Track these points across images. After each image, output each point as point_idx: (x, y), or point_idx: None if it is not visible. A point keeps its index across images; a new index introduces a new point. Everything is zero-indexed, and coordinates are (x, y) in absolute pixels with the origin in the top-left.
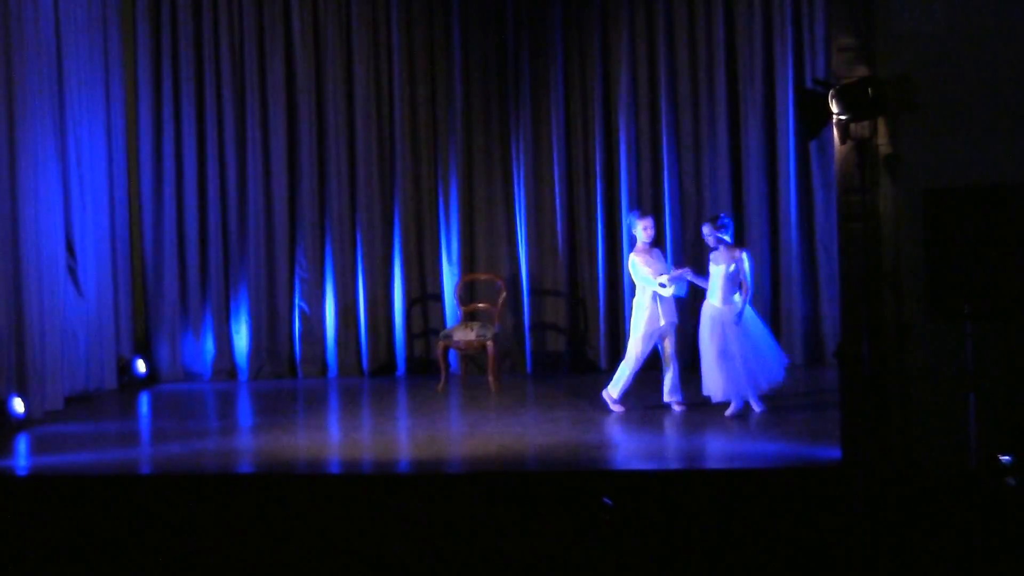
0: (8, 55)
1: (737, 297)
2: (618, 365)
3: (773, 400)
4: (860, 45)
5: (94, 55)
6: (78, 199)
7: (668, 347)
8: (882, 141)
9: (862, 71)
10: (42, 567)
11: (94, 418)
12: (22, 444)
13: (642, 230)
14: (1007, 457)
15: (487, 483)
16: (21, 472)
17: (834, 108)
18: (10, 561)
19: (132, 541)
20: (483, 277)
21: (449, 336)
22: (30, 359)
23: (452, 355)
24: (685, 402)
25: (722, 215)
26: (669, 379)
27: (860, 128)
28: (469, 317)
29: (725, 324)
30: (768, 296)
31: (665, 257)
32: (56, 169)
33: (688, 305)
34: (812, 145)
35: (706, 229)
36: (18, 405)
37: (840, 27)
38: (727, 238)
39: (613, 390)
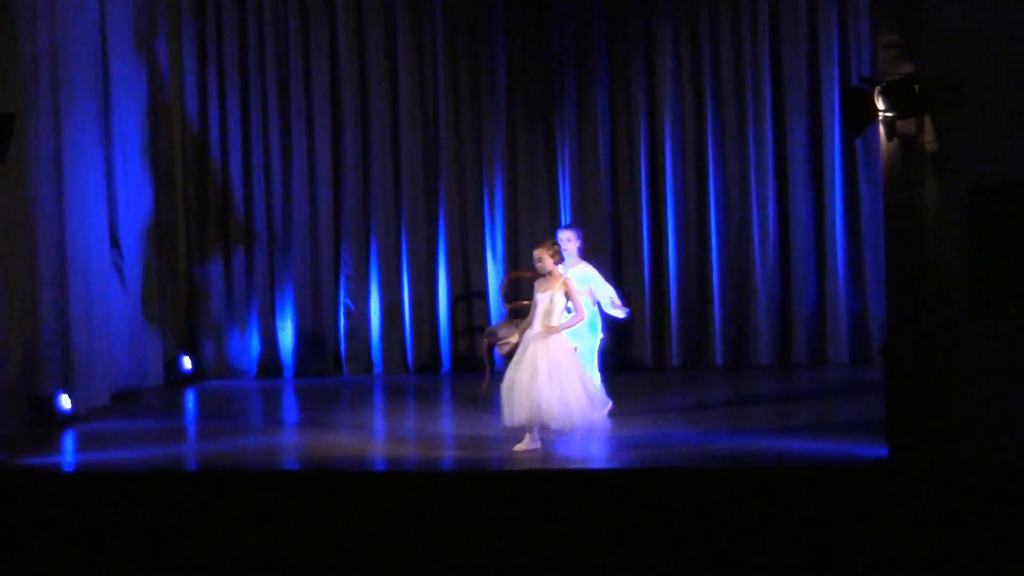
0: (54, 53)
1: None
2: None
3: (821, 398)
4: (905, 42)
5: (140, 56)
6: (123, 196)
7: None
8: (928, 138)
9: (907, 68)
10: (88, 563)
11: (140, 415)
12: (69, 440)
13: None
14: None
15: (529, 482)
16: (68, 468)
17: (880, 105)
18: (57, 557)
19: (177, 537)
20: (528, 274)
21: (494, 333)
22: (76, 356)
23: (496, 353)
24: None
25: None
26: None
27: (906, 125)
28: (514, 314)
29: None
30: (813, 294)
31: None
32: (101, 168)
33: None
34: (858, 143)
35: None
36: (65, 401)
37: (885, 24)
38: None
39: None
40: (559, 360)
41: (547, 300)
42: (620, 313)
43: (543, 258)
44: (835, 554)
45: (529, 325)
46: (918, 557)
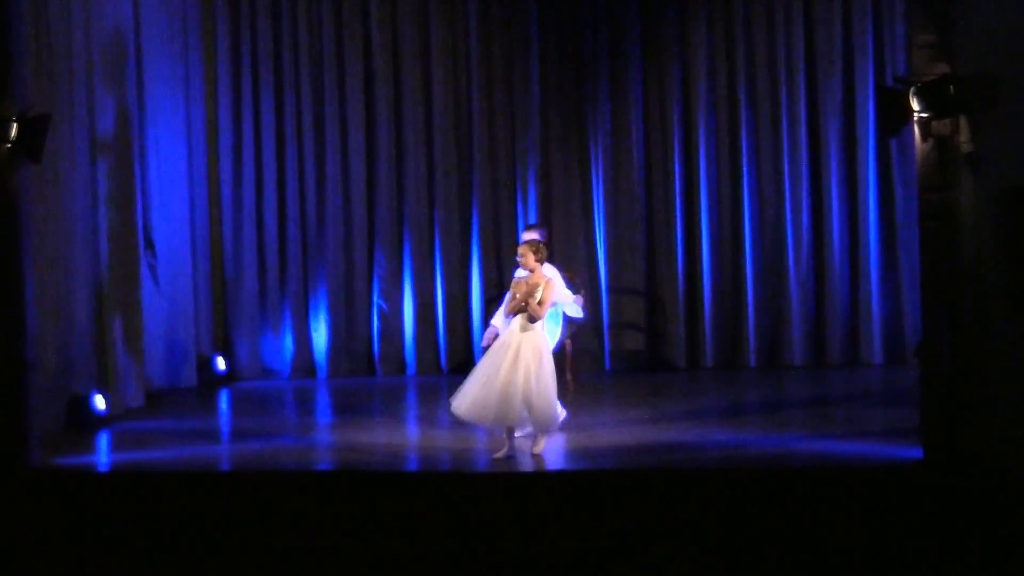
0: (88, 54)
1: None
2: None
3: (855, 399)
4: (940, 42)
5: (173, 56)
6: (156, 198)
7: None
8: (963, 139)
9: (943, 68)
10: (123, 562)
11: (174, 415)
12: (103, 440)
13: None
14: None
15: (562, 482)
16: (103, 469)
17: (914, 106)
18: (92, 556)
19: (211, 537)
20: (565, 274)
21: None
22: (111, 357)
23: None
24: None
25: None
26: None
27: (941, 126)
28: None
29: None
30: (847, 294)
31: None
32: (136, 169)
33: None
34: (892, 143)
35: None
36: (99, 402)
37: (920, 24)
38: None
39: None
40: (541, 360)
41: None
42: (579, 313)
43: (527, 255)
44: (869, 555)
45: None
46: (952, 558)
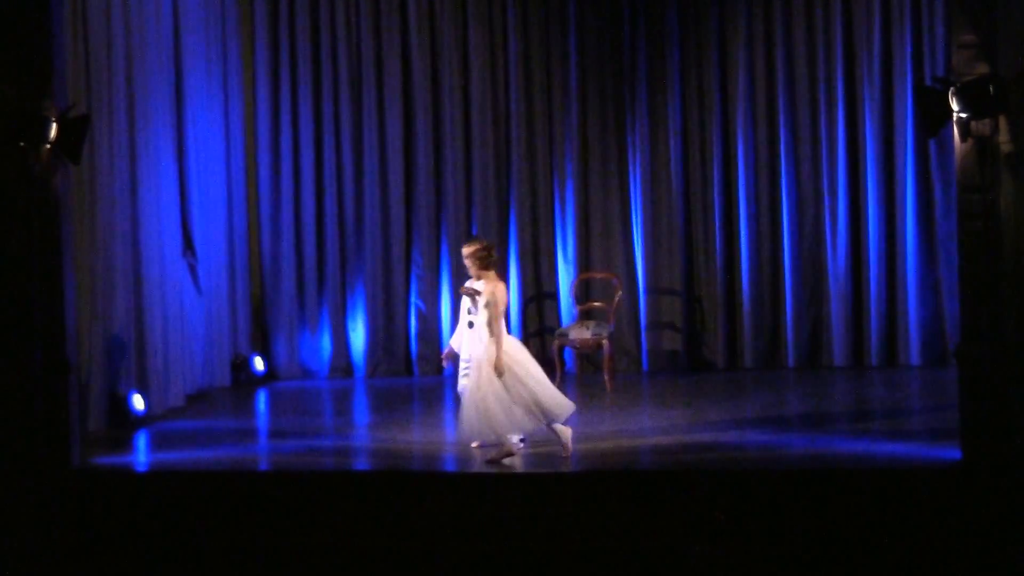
0: (129, 55)
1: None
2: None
3: (894, 400)
4: (981, 42)
5: (212, 54)
6: (196, 197)
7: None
8: (1003, 139)
9: (983, 68)
10: (162, 562)
11: (212, 415)
12: (142, 441)
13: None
14: None
15: (601, 482)
16: (141, 469)
17: (954, 106)
18: (131, 556)
19: (250, 537)
20: (599, 275)
21: (565, 334)
22: (151, 357)
23: (567, 353)
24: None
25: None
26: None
27: (981, 126)
28: (585, 316)
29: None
30: (886, 294)
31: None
32: (174, 168)
33: None
34: (931, 143)
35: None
36: (138, 402)
37: (960, 24)
38: None
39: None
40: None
41: (470, 303)
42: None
43: (472, 261)
44: (907, 557)
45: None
46: (991, 560)
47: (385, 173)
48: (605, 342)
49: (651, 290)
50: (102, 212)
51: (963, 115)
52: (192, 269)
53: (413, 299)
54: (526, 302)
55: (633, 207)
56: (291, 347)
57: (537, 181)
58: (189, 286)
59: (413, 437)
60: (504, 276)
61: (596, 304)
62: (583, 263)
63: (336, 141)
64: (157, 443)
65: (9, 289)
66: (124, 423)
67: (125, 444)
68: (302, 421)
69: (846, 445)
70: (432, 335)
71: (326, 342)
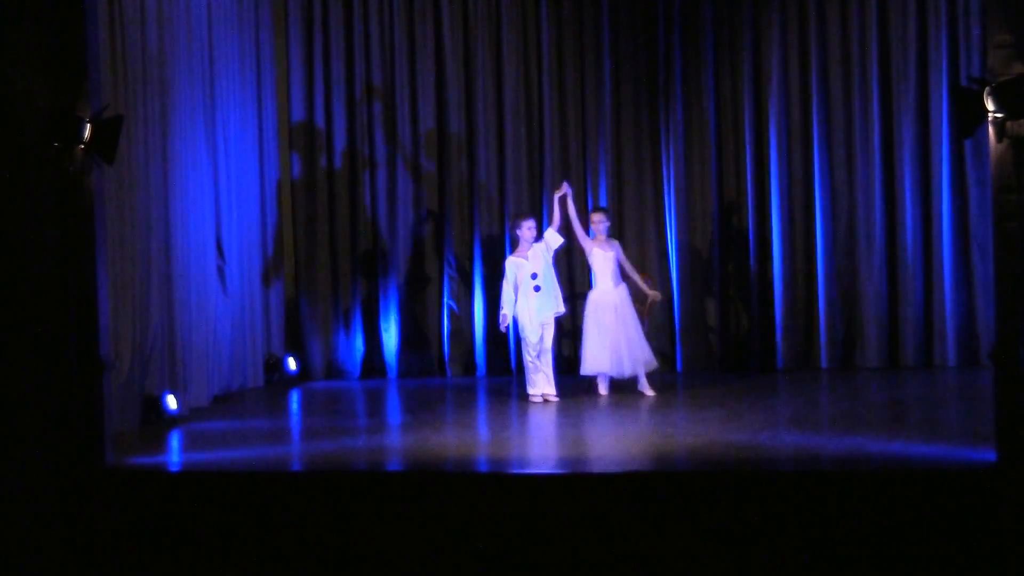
0: (161, 54)
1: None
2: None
3: (929, 401)
4: (1017, 42)
5: (245, 53)
6: (227, 198)
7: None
8: None
9: (1019, 68)
10: (194, 561)
11: (245, 415)
12: (175, 441)
13: (526, 230)
14: None
15: (636, 483)
16: (174, 468)
17: (990, 106)
18: (163, 555)
19: (282, 536)
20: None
21: None
22: (182, 357)
23: None
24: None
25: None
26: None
27: (1016, 126)
28: None
29: (621, 305)
30: (921, 295)
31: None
32: (208, 170)
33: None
34: (967, 143)
35: (600, 217)
36: (171, 402)
37: (996, 23)
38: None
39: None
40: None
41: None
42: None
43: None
44: (943, 558)
45: None
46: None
47: (418, 174)
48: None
49: (685, 291)
50: (135, 212)
51: (999, 115)
52: (220, 271)
53: (446, 300)
54: None
55: (667, 208)
56: (324, 347)
57: (570, 179)
58: (219, 287)
59: (446, 438)
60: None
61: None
62: None
63: (369, 141)
64: (190, 443)
65: (44, 289)
66: (157, 423)
67: (158, 444)
68: (333, 421)
69: (880, 446)
70: (464, 336)
71: (359, 342)
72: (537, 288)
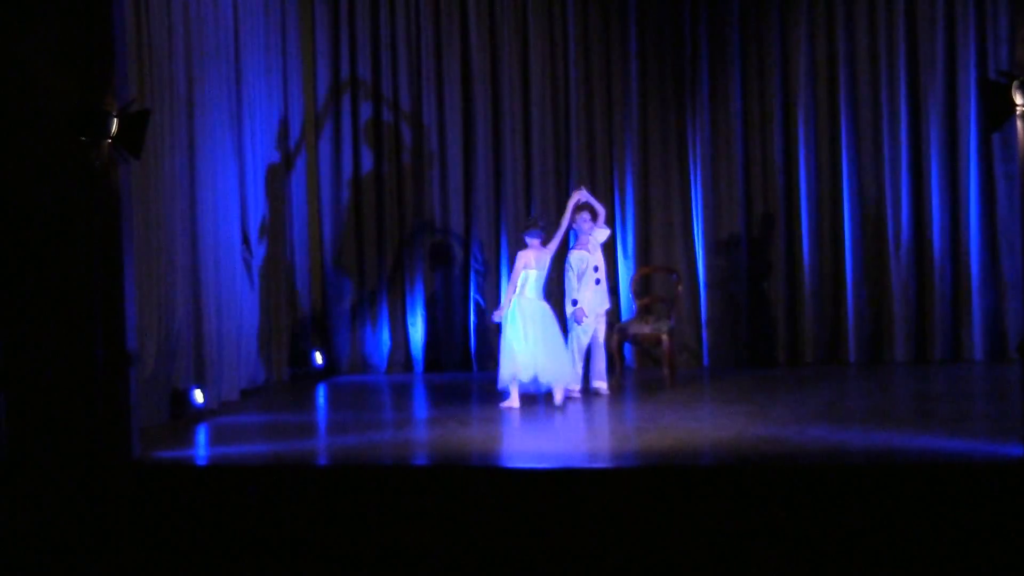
0: (188, 48)
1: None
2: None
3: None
4: None
5: (271, 46)
6: (253, 191)
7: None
8: None
9: None
10: (221, 554)
11: (271, 409)
12: (202, 434)
13: (584, 223)
14: None
15: (661, 477)
16: (201, 462)
17: (1018, 100)
18: (191, 548)
19: (308, 531)
20: (659, 270)
21: (624, 329)
22: (208, 351)
23: (627, 348)
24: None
25: None
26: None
27: None
28: (644, 310)
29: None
30: (949, 290)
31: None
32: (234, 163)
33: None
34: (995, 137)
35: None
36: (198, 396)
37: None
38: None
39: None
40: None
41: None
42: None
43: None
44: (969, 553)
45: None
46: None
47: (445, 168)
48: (665, 337)
49: (711, 285)
50: (162, 206)
51: None
52: (247, 265)
53: (472, 294)
54: None
55: (693, 202)
56: (351, 342)
57: (597, 177)
58: (245, 281)
59: (472, 432)
60: (563, 272)
61: (656, 299)
62: (643, 258)
63: (395, 136)
64: (217, 436)
65: (71, 283)
66: (184, 417)
67: (185, 437)
68: (359, 415)
69: (907, 440)
70: (491, 330)
71: (386, 336)
72: (597, 281)
